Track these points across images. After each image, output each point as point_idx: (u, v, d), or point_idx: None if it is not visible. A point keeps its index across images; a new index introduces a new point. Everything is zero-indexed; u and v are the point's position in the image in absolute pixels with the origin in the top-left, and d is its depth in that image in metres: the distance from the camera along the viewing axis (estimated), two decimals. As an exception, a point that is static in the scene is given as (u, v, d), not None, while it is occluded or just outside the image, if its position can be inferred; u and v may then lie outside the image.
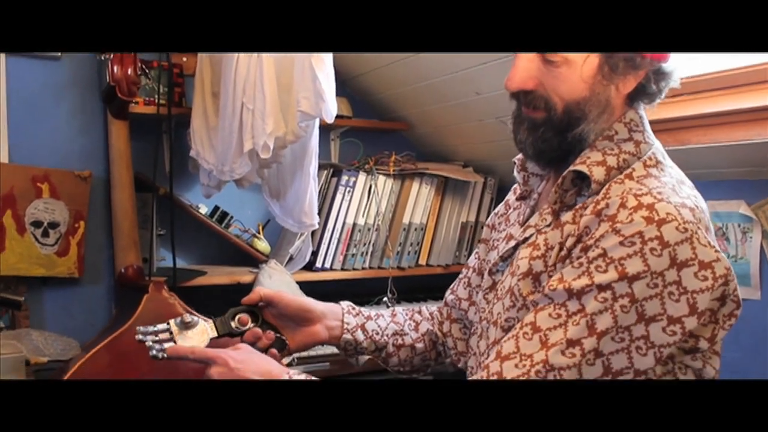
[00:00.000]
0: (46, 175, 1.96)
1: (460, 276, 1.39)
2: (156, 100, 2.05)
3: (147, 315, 1.64)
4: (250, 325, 1.27)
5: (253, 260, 2.28)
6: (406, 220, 2.46)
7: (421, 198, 2.48)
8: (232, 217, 2.30)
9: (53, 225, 1.96)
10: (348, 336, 1.33)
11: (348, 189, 2.34)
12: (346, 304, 1.37)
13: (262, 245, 2.32)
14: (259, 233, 2.35)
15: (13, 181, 1.91)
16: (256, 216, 2.44)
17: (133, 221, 1.85)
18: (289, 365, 1.57)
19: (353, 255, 2.38)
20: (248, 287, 2.16)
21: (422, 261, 2.52)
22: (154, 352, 1.16)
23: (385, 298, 2.39)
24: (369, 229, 2.40)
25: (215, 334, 1.24)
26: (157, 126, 2.12)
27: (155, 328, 1.21)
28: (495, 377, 0.95)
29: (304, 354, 2.17)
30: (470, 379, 1.02)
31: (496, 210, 1.36)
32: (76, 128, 2.13)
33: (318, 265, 2.33)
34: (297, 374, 1.10)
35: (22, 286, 1.96)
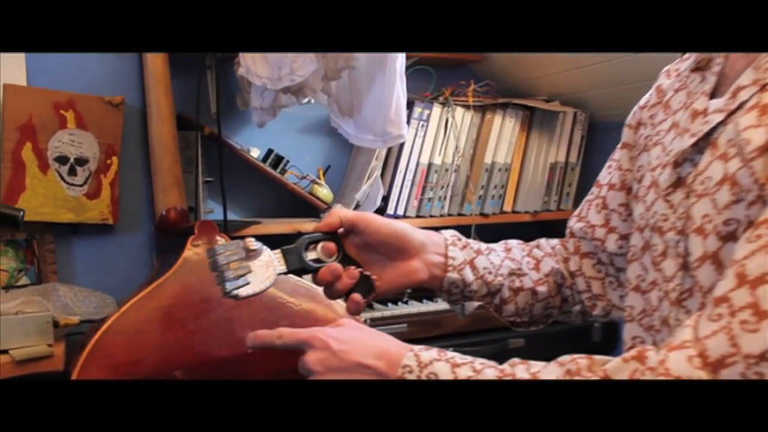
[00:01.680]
0: (70, 102, 1.65)
1: (588, 198, 1.07)
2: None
3: (193, 263, 1.34)
4: (328, 258, 0.96)
5: (314, 210, 2.00)
6: (488, 159, 2.13)
7: (504, 133, 2.15)
8: (287, 162, 2.00)
9: (81, 161, 1.66)
10: (454, 275, 1.00)
11: (422, 123, 2.02)
12: (450, 234, 1.05)
13: (324, 192, 2.02)
14: (319, 179, 2.05)
15: (31, 109, 1.60)
16: (314, 161, 2.15)
17: (175, 156, 1.56)
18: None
19: (429, 200, 2.06)
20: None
21: (507, 207, 2.19)
22: (233, 289, 0.89)
23: (466, 249, 2.06)
24: (447, 170, 2.08)
25: (284, 269, 0.93)
26: (199, 62, 1.84)
27: (227, 250, 0.91)
28: (748, 312, 0.60)
29: (377, 314, 1.89)
30: (696, 314, 0.67)
31: (640, 103, 1.01)
32: (106, 47, 1.83)
33: (390, 211, 2.02)
34: (425, 349, 0.79)
35: (48, 234, 1.66)
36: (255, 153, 1.97)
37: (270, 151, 1.99)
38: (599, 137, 2.33)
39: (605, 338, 2.23)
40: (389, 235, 0.98)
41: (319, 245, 0.96)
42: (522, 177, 2.20)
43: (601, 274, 1.05)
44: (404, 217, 2.04)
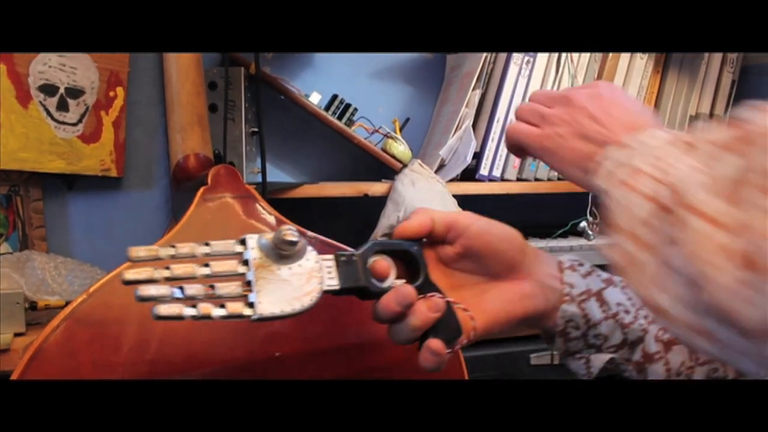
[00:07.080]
0: (61, 13, 1.28)
1: None
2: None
3: (205, 223, 0.95)
4: (392, 279, 0.67)
5: (388, 172, 1.60)
6: (611, 107, 1.68)
7: (633, 75, 1.71)
8: (356, 111, 1.61)
9: (74, 92, 1.26)
10: (571, 308, 0.72)
11: (527, 59, 1.60)
12: (568, 259, 0.77)
13: (400, 149, 1.61)
14: (395, 133, 1.65)
15: (8, 21, 1.23)
16: (390, 112, 1.76)
17: (197, 86, 1.17)
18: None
19: (534, 159, 1.63)
20: (382, 202, 1.48)
21: (635, 170, 1.74)
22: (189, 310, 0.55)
23: (582, 224, 1.63)
24: (558, 119, 1.64)
25: (335, 286, 0.63)
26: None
27: (204, 248, 0.58)
28: None
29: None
30: None
31: None
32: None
33: (483, 172, 1.59)
34: None
35: (35, 188, 1.28)
36: (315, 99, 1.58)
37: (334, 97, 1.60)
38: (753, 83, 1.87)
39: None
40: (501, 239, 0.71)
41: (381, 260, 0.67)
42: (655, 132, 1.76)
43: None
44: (501, 179, 1.61)
